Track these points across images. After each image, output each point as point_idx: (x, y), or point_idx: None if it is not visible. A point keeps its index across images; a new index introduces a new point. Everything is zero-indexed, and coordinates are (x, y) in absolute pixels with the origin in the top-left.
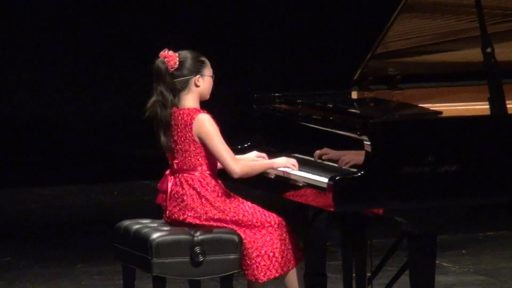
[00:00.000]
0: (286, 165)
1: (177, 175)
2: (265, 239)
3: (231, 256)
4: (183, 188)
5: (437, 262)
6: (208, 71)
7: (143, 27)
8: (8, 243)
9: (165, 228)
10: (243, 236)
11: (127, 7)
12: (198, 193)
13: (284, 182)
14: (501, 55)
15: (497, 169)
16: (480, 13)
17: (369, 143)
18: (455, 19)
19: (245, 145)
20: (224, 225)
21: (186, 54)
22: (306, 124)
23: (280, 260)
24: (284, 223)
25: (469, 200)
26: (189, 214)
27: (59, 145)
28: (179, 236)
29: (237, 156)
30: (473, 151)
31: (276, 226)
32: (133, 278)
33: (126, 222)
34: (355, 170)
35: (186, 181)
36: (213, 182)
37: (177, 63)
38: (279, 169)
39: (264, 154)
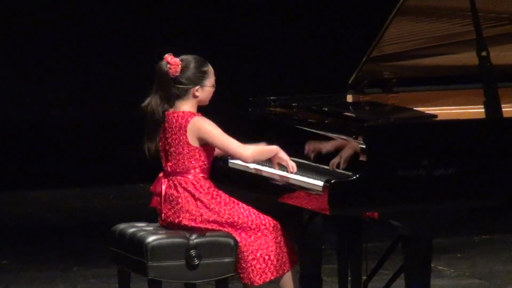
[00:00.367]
0: (287, 161)
1: (171, 177)
2: (260, 242)
3: (227, 260)
4: (177, 191)
5: (432, 265)
6: (209, 81)
7: (141, 29)
8: (3, 246)
9: (161, 232)
10: (238, 239)
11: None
12: (193, 195)
13: (280, 185)
14: (496, 59)
15: (492, 173)
16: (475, 16)
17: (364, 146)
18: (451, 23)
19: None
20: (220, 227)
21: (189, 62)
22: (302, 128)
23: (275, 263)
24: (279, 226)
25: (464, 204)
26: (184, 216)
27: (54, 148)
28: (175, 239)
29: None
30: (469, 155)
31: (271, 229)
32: (129, 282)
33: (122, 226)
34: (350, 173)
35: (180, 184)
36: (207, 184)
37: (178, 71)
38: (275, 171)
39: (275, 146)
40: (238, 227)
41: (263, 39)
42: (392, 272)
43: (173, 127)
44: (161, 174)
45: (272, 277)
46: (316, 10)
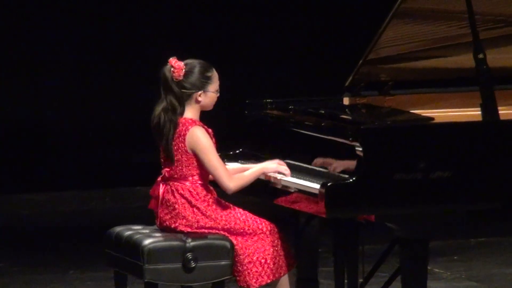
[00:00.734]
0: (277, 169)
1: (168, 183)
2: (257, 245)
3: (223, 263)
4: (174, 197)
5: (429, 268)
6: (213, 87)
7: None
8: (0, 249)
9: (157, 234)
10: (235, 242)
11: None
12: (189, 202)
13: (276, 188)
14: (493, 61)
15: (489, 175)
16: (472, 19)
17: (361, 149)
18: (447, 25)
19: (237, 151)
20: (216, 232)
21: (194, 67)
22: (298, 130)
23: (272, 266)
24: (276, 230)
25: (461, 206)
26: (181, 222)
27: (51, 151)
28: (171, 242)
29: (229, 165)
30: (465, 157)
31: (268, 232)
32: (125, 284)
33: (118, 228)
34: (346, 176)
35: (177, 189)
36: (204, 192)
37: (182, 75)
38: (271, 174)
39: (259, 166)
40: (235, 232)
41: (260, 41)
42: (389, 275)
43: (175, 133)
44: (159, 178)
45: (269, 280)
46: (313, 13)
